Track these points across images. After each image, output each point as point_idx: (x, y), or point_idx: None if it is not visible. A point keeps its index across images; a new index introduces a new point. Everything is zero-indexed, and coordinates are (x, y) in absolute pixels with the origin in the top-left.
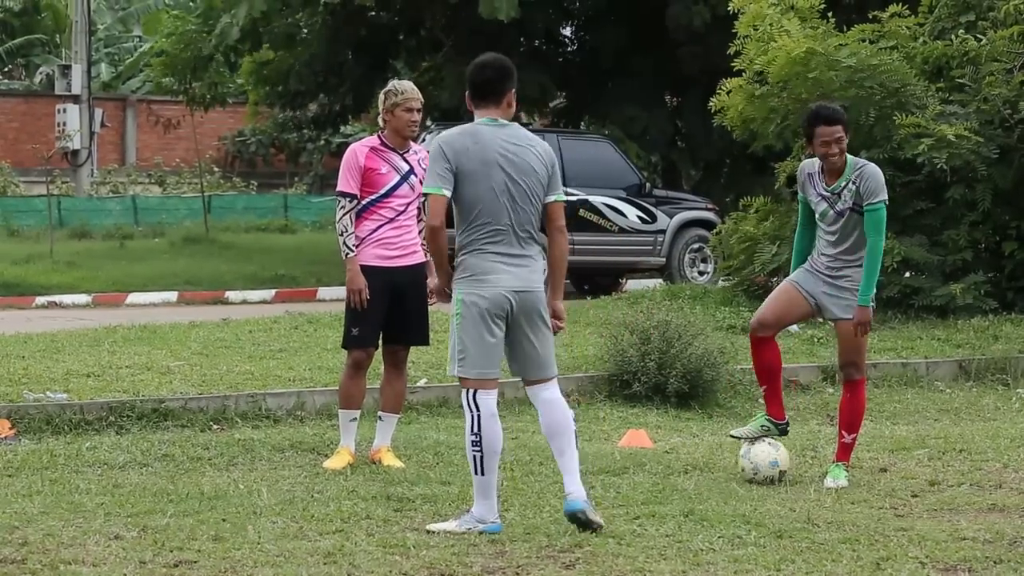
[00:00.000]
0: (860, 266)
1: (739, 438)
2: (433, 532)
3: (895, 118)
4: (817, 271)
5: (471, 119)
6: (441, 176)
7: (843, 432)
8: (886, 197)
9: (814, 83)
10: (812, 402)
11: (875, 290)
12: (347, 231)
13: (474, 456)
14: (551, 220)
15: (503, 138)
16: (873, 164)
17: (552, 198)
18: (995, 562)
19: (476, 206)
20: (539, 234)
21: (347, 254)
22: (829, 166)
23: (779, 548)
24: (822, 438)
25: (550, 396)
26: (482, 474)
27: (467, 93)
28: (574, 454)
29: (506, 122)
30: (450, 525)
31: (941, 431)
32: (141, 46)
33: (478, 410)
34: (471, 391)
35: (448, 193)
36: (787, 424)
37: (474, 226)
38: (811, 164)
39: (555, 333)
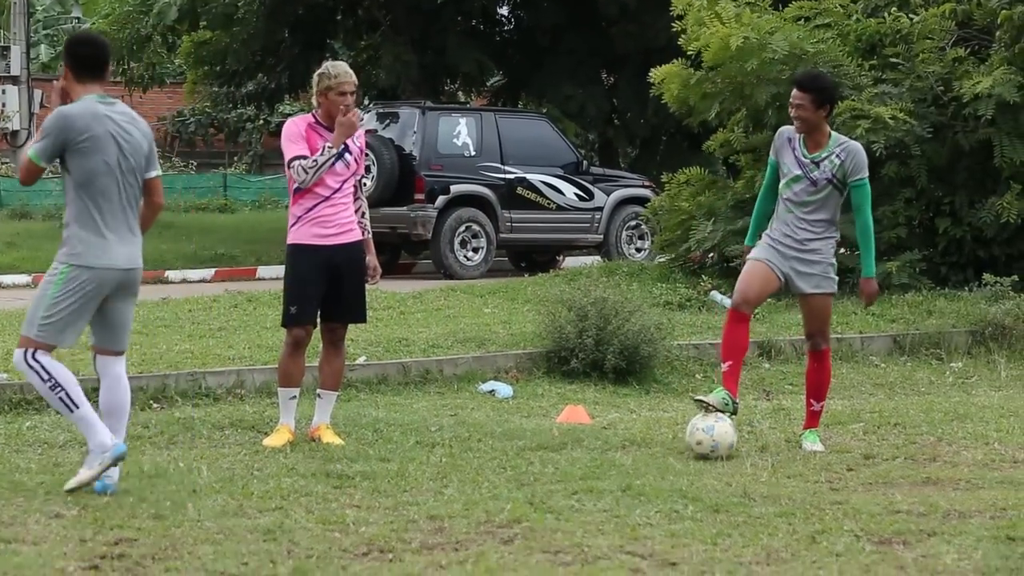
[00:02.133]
0: (828, 239)
1: (706, 404)
2: (74, 489)
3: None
4: (783, 244)
5: (409, 98)
6: (48, 150)
7: (811, 400)
8: (868, 175)
9: (749, 69)
10: (748, 377)
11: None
12: (311, 163)
13: (60, 398)
14: (153, 194)
15: (114, 115)
16: (855, 141)
17: (153, 174)
18: (929, 535)
19: (91, 181)
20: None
21: (328, 149)
22: (797, 129)
23: (716, 522)
24: (758, 413)
25: (118, 371)
26: (77, 407)
27: (68, 70)
28: (123, 434)
29: (112, 99)
30: (84, 475)
31: (876, 405)
32: (80, 27)
33: (38, 362)
34: (31, 351)
35: (46, 166)
36: (738, 404)
37: (86, 200)
38: (791, 129)
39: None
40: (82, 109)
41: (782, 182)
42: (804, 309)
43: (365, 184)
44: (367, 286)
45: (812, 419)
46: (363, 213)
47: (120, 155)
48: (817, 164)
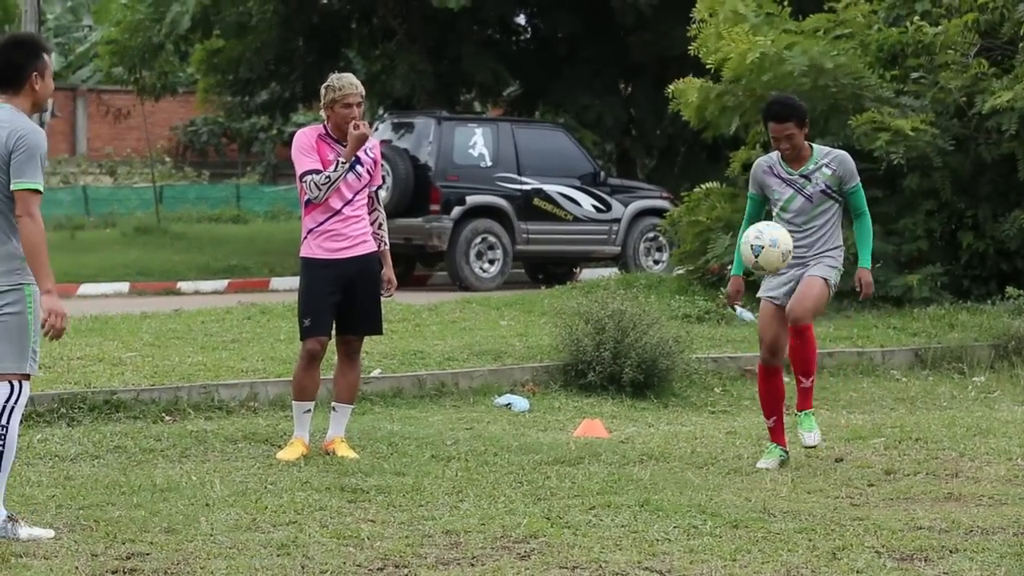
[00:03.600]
0: (836, 248)
1: (767, 469)
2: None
3: (851, 114)
4: (788, 266)
5: (424, 108)
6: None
7: (800, 378)
8: (859, 178)
9: (768, 82)
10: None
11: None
12: (325, 179)
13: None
14: (17, 207)
15: None
16: (842, 151)
17: (14, 185)
18: (951, 551)
19: None
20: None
21: (341, 164)
22: (786, 155)
23: (735, 538)
24: None
25: None
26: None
27: None
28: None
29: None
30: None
31: (897, 420)
32: (91, 36)
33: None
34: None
35: None
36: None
37: None
38: (768, 159)
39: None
40: None
41: (775, 209)
42: (798, 287)
43: (381, 195)
44: (383, 299)
45: (803, 397)
46: (380, 224)
47: None
48: (808, 178)
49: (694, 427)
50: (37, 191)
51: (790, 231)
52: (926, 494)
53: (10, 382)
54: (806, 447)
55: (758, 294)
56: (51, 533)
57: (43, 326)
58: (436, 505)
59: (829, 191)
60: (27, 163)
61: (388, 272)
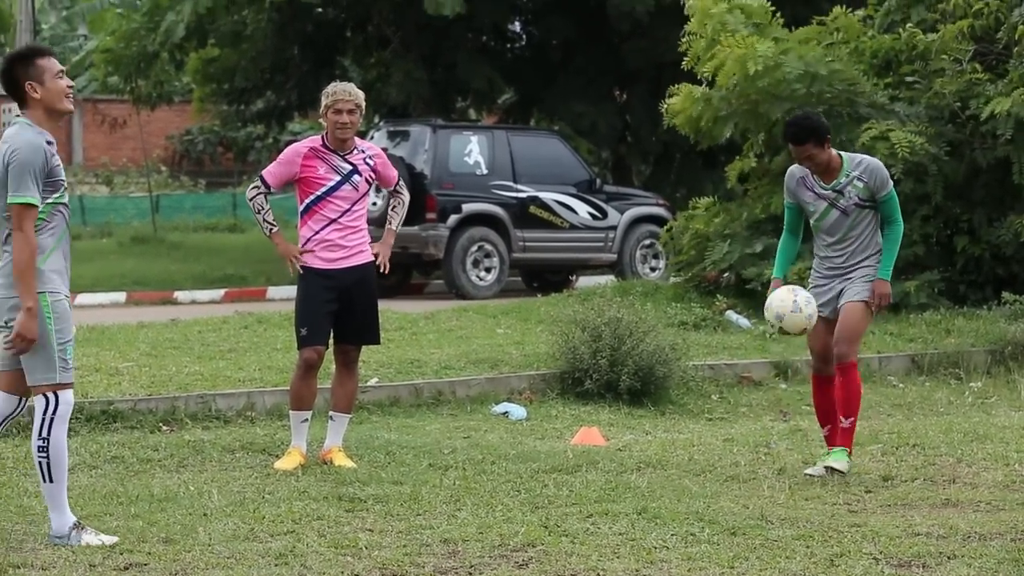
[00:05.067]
0: (874, 255)
1: (833, 470)
2: None
3: (845, 119)
4: (829, 277)
5: (420, 116)
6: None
7: (841, 417)
8: (892, 184)
9: (763, 88)
10: (765, 398)
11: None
12: (263, 209)
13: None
14: (12, 222)
15: None
16: (871, 157)
17: (8, 200)
18: (949, 557)
19: None
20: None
21: (270, 229)
22: (813, 172)
23: (733, 545)
24: (775, 434)
25: None
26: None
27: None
28: None
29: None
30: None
31: (894, 426)
32: (86, 45)
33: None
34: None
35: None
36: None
37: None
38: (800, 169)
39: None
40: None
41: (812, 220)
42: (839, 318)
43: (376, 204)
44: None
45: (843, 437)
46: (395, 207)
47: None
48: (840, 192)
49: (691, 434)
50: (28, 205)
51: (827, 243)
52: (923, 500)
53: (45, 395)
54: (826, 467)
55: None
56: (115, 539)
57: (9, 341)
58: (434, 514)
59: (863, 203)
60: (17, 178)
61: (380, 248)
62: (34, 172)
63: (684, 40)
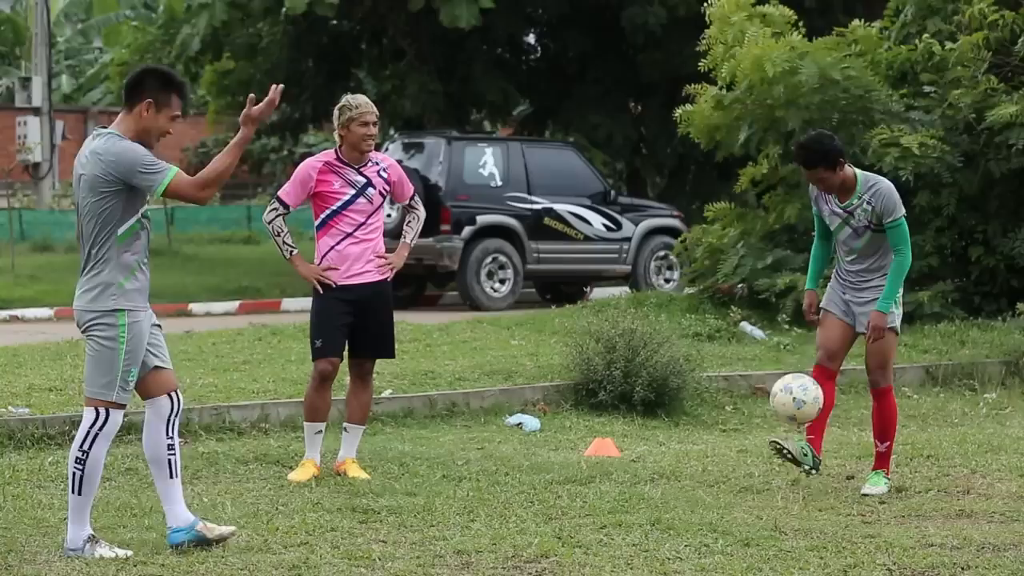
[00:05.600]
0: (885, 276)
1: (781, 447)
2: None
3: (860, 127)
4: (844, 285)
5: (434, 128)
6: None
7: (876, 441)
8: (904, 211)
9: (779, 94)
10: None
11: (897, 302)
12: (282, 231)
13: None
14: (183, 197)
15: (85, 147)
16: (886, 181)
17: (157, 193)
18: (963, 568)
19: None
20: (108, 249)
21: (291, 252)
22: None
23: (746, 556)
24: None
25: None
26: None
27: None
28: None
29: (101, 130)
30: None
31: (908, 437)
32: (102, 58)
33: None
34: None
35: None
36: (819, 461)
37: None
38: None
39: None
40: None
41: (832, 229)
42: (866, 347)
43: (391, 216)
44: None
45: (879, 461)
46: (409, 223)
47: (77, 190)
48: (851, 214)
49: (705, 446)
50: (173, 177)
51: (844, 254)
52: (937, 511)
53: (96, 409)
54: (863, 494)
55: (820, 305)
56: (129, 552)
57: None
58: (447, 525)
59: (871, 226)
60: (141, 171)
61: (395, 257)
62: (147, 156)
63: (704, 42)
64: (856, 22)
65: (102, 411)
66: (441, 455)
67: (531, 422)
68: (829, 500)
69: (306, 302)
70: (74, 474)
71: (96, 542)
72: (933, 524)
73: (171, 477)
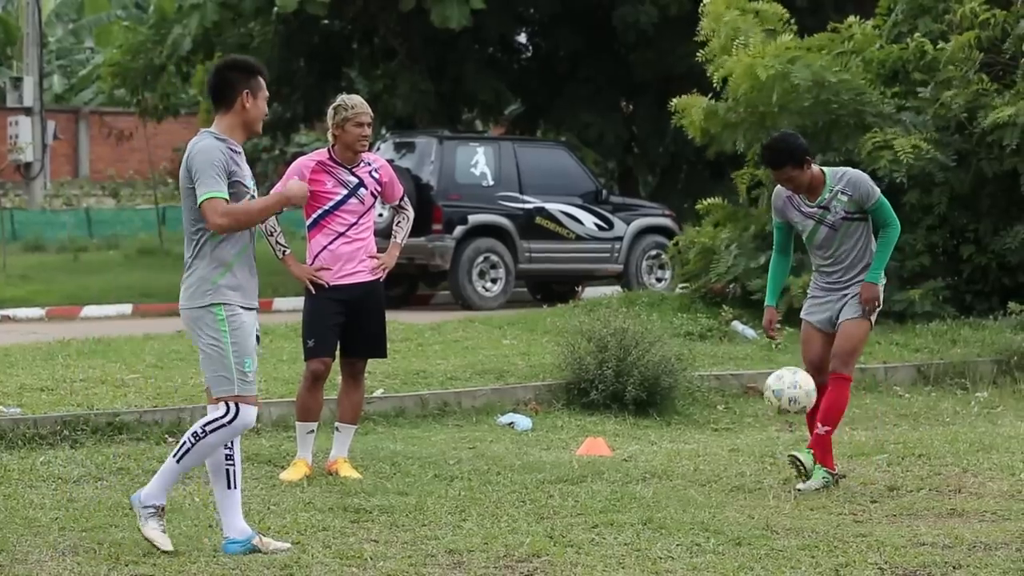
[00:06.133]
0: (865, 269)
1: (798, 461)
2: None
3: (853, 129)
4: (828, 291)
5: (426, 127)
6: None
7: (818, 423)
8: (879, 190)
9: (772, 99)
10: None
11: (883, 274)
12: (275, 231)
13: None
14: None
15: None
16: (853, 169)
17: (199, 199)
18: (954, 567)
19: None
20: (202, 244)
21: (283, 252)
22: (797, 192)
23: (738, 555)
24: (780, 444)
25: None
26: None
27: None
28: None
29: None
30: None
31: (900, 436)
32: (93, 58)
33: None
34: None
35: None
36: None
37: None
38: (785, 189)
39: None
40: None
41: (804, 238)
42: (837, 333)
43: (382, 215)
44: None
45: (816, 442)
46: (399, 223)
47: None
48: (826, 208)
49: (697, 445)
50: (212, 198)
51: (822, 259)
52: (929, 510)
53: (227, 403)
54: (790, 455)
55: (800, 315)
56: (169, 546)
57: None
58: (439, 525)
59: (851, 216)
60: (200, 177)
61: (385, 258)
62: (215, 168)
63: (701, 34)
64: (852, 18)
65: (232, 406)
66: (433, 454)
67: (523, 421)
68: (821, 499)
69: (298, 302)
70: (183, 445)
71: (159, 515)
72: (925, 523)
73: (229, 487)
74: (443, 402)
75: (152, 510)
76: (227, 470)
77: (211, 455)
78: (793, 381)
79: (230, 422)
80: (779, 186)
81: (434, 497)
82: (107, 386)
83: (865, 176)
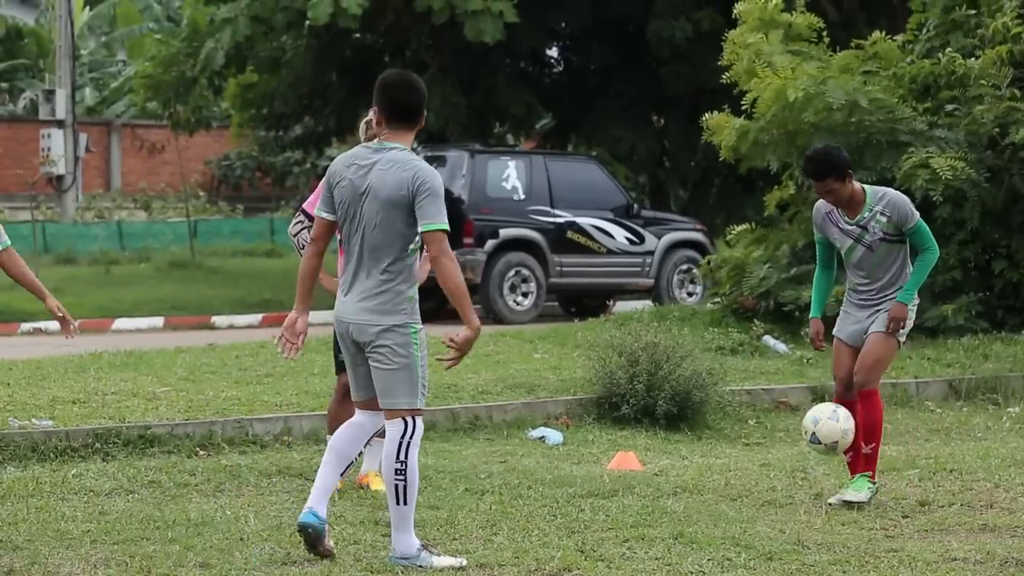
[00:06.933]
0: (900, 289)
1: (854, 503)
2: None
3: (886, 147)
4: (860, 308)
5: (457, 141)
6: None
7: (862, 443)
8: (918, 214)
9: (806, 119)
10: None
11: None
12: (307, 244)
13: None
14: (431, 248)
15: (361, 161)
16: (893, 190)
17: (425, 227)
18: None
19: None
20: (407, 261)
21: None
22: (837, 206)
23: (769, 570)
24: (812, 459)
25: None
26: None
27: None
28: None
29: (385, 144)
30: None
31: (931, 451)
32: (125, 70)
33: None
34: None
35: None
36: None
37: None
38: (826, 204)
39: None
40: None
41: (842, 253)
42: (864, 346)
43: None
44: None
45: (865, 463)
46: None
47: (357, 202)
48: (865, 228)
49: (728, 459)
50: (446, 231)
51: (858, 277)
52: (961, 525)
53: (404, 419)
54: (844, 500)
55: (833, 333)
56: (463, 561)
57: (446, 359)
58: (470, 538)
59: (889, 237)
60: (432, 204)
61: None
62: (441, 199)
63: (724, 58)
64: (876, 34)
65: (409, 420)
66: (464, 468)
67: (554, 435)
68: (852, 514)
69: (328, 315)
70: (396, 486)
71: (429, 550)
72: (956, 538)
73: (397, 504)
74: (474, 416)
75: (418, 553)
76: (396, 485)
77: (417, 471)
78: (828, 427)
79: (412, 435)
80: (820, 201)
81: (465, 511)
82: (139, 399)
83: (905, 198)
